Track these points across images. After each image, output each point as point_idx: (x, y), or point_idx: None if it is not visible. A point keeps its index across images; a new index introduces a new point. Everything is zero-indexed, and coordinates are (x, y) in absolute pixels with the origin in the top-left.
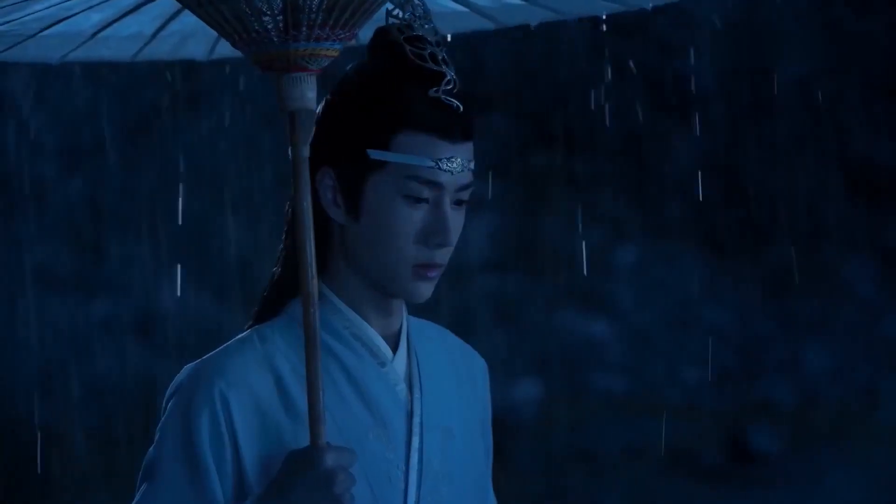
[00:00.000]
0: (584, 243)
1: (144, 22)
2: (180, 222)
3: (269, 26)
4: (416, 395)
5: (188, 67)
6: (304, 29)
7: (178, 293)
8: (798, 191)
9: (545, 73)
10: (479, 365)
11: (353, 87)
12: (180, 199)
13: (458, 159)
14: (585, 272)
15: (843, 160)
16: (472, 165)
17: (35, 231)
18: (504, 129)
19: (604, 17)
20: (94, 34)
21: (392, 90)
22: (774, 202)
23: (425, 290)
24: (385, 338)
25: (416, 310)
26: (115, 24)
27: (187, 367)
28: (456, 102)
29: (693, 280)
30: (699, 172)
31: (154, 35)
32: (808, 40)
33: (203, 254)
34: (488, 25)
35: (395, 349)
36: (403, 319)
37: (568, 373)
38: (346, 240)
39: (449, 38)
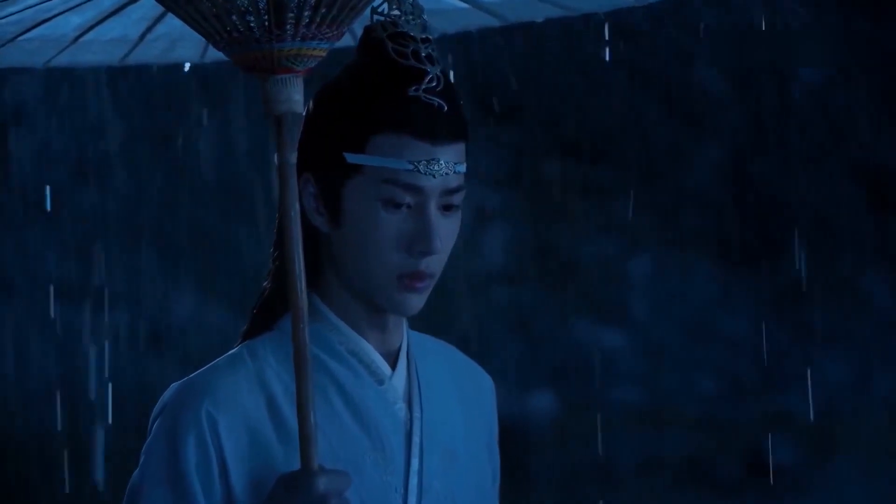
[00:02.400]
0: (598, 253)
1: (128, 25)
2: (194, 232)
3: (253, 25)
4: (416, 414)
5: (202, 73)
6: (289, 28)
7: (193, 304)
8: (815, 200)
9: (559, 81)
10: (485, 383)
11: (334, 87)
12: (194, 209)
13: (441, 162)
14: (600, 282)
15: (860, 169)
16: (458, 168)
17: (47, 241)
18: (517, 139)
19: (603, 19)
20: (77, 38)
21: (370, 90)
22: (791, 211)
23: (413, 302)
24: (384, 355)
25: (427, 321)
26: (99, 28)
27: (174, 386)
28: (438, 101)
29: (709, 290)
30: (715, 182)
31: (141, 38)
32: (825, 47)
33: (218, 264)
34: (493, 22)
35: (394, 366)
36: (404, 335)
37: (583, 384)
38: (332, 250)
39: (448, 33)
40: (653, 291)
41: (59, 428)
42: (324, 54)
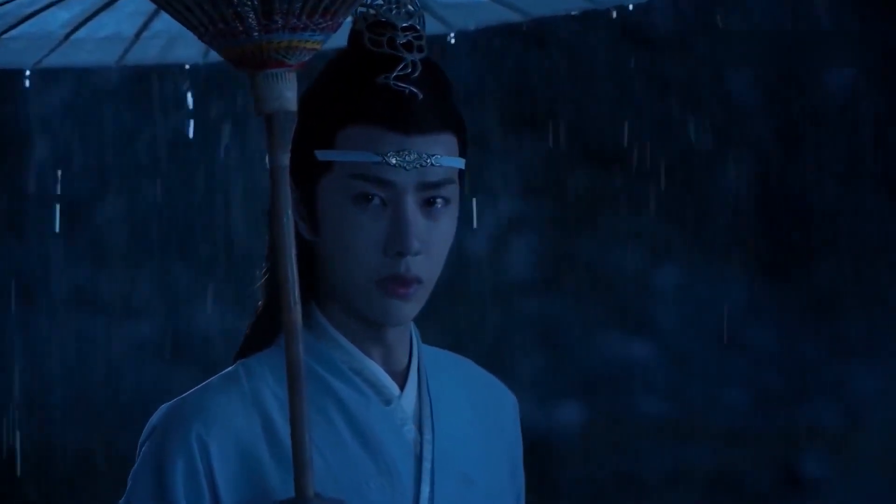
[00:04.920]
0: (626, 263)
1: (121, 20)
2: (219, 241)
3: (240, 16)
4: (427, 436)
5: (226, 83)
6: (278, 18)
7: (216, 315)
8: (844, 209)
9: (586, 90)
10: (506, 400)
11: (312, 84)
12: (219, 217)
13: (413, 153)
14: (627, 293)
15: (890, 177)
16: (440, 161)
17: (69, 251)
18: (544, 148)
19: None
20: (67, 36)
21: (340, 82)
22: (820, 221)
23: (398, 309)
24: (391, 373)
25: (452, 332)
26: (90, 24)
27: (163, 407)
28: (410, 88)
29: (737, 301)
30: (743, 191)
31: (137, 36)
32: (853, 54)
33: (244, 273)
34: (515, 17)
35: (403, 385)
36: (414, 351)
37: (610, 396)
38: (319, 259)
39: (469, 29)
40: (680, 302)
41: (82, 440)
42: (318, 47)
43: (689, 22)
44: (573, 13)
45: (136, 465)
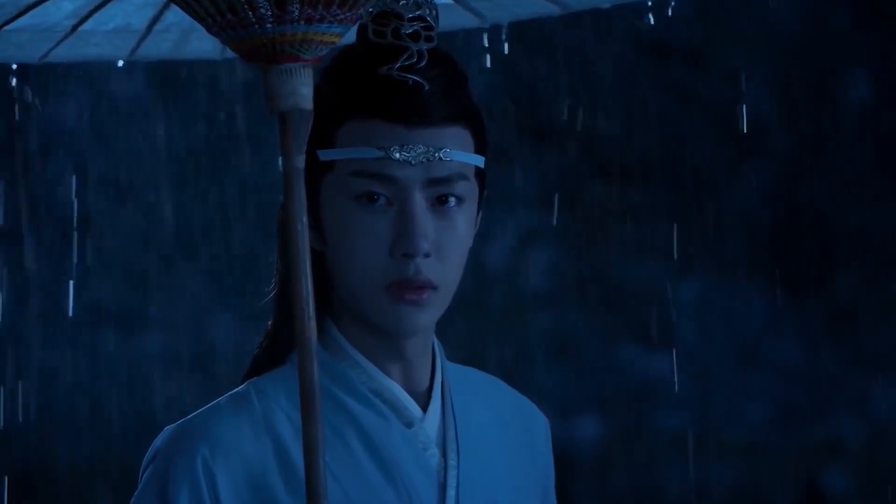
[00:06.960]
0: (644, 277)
1: (130, 12)
2: (237, 254)
3: (252, 5)
4: (452, 461)
5: (246, 92)
6: (293, 8)
7: (232, 328)
8: (865, 221)
9: (604, 102)
10: (537, 422)
11: (317, 81)
12: (237, 230)
13: (419, 146)
14: (646, 306)
15: None
16: (450, 155)
17: (84, 264)
18: (561, 160)
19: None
20: (74, 28)
21: (342, 76)
22: (841, 233)
23: (410, 316)
24: (413, 393)
25: (465, 346)
26: (97, 16)
27: (167, 429)
28: (414, 78)
29: (757, 315)
30: (763, 204)
31: (149, 29)
32: (875, 65)
33: (262, 287)
34: (552, 10)
35: (426, 406)
36: (438, 369)
37: (628, 410)
38: (329, 269)
39: (502, 23)
40: (700, 316)
41: (94, 454)
42: (336, 40)
43: (708, 32)
44: (606, 6)
45: (138, 489)
